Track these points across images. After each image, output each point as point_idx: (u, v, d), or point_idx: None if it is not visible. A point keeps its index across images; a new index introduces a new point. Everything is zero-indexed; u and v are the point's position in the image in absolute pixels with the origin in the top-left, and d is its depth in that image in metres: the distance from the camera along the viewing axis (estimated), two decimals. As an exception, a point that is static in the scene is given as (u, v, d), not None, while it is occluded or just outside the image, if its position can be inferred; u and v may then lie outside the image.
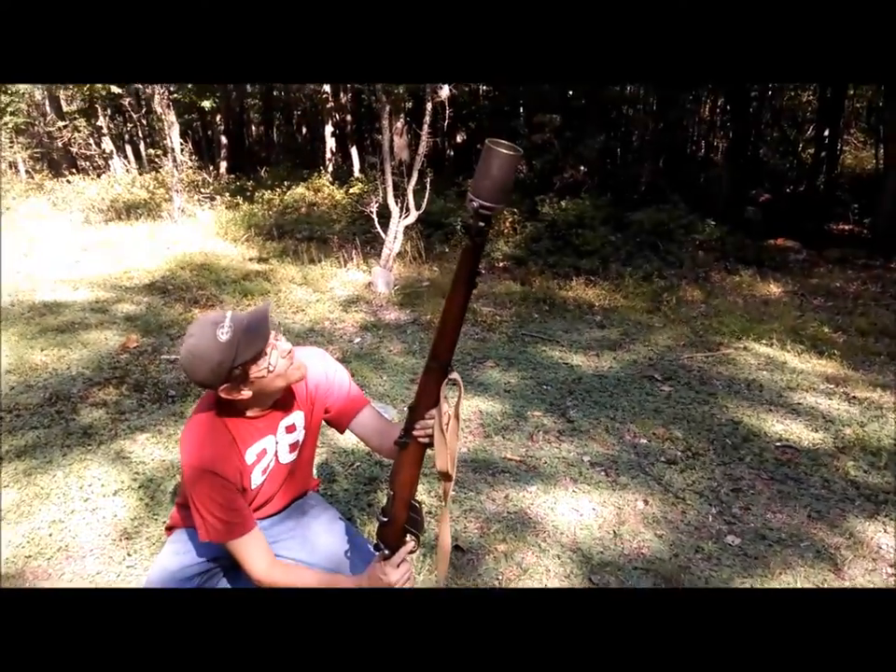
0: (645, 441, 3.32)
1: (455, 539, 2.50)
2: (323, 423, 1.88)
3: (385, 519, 1.65)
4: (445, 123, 10.25)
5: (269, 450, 1.70)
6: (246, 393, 1.53)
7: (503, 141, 1.15)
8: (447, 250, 7.46)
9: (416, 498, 1.64)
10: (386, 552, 1.69)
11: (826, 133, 11.14)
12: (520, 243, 7.46)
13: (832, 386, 3.94)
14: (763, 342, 4.68)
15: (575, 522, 2.64)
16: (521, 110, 11.24)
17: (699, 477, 2.97)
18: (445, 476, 1.52)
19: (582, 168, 8.30)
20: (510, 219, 7.76)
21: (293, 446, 1.78)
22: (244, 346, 1.44)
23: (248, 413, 1.63)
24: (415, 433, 1.52)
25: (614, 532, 2.58)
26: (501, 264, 7.07)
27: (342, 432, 1.88)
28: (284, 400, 1.70)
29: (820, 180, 11.70)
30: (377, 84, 5.86)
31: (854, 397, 3.79)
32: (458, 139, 16.43)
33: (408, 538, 1.70)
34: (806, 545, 2.49)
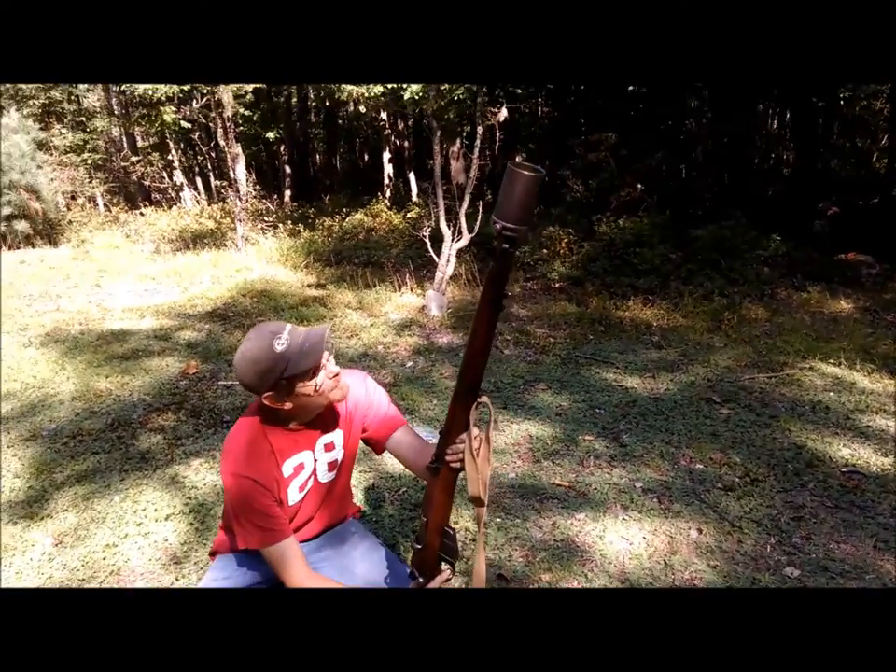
0: (701, 466, 3.20)
1: (498, 567, 2.45)
2: (363, 446, 1.90)
3: (420, 546, 1.64)
4: (497, 146, 10.22)
5: (307, 465, 1.73)
6: (289, 405, 1.57)
7: (525, 163, 1.16)
8: (503, 272, 7.42)
9: (450, 525, 1.62)
10: (421, 579, 1.68)
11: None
12: (576, 263, 7.38)
13: (905, 408, 3.72)
14: (831, 361, 4.47)
15: (624, 551, 2.56)
16: (583, 128, 11.17)
17: (757, 504, 2.84)
18: (477, 501, 1.50)
19: (640, 186, 8.16)
20: (566, 240, 7.69)
21: (332, 465, 1.80)
22: (295, 361, 1.49)
23: (288, 426, 1.67)
24: (447, 458, 1.51)
25: (665, 562, 2.48)
26: (557, 285, 7.00)
27: (379, 453, 1.90)
28: (324, 418, 1.74)
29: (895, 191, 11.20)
30: (421, 104, 5.90)
31: (930, 419, 3.57)
32: (517, 160, 16.41)
33: (443, 565, 1.68)
34: (872, 578, 2.34)
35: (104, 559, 2.57)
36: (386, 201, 12.03)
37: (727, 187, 10.39)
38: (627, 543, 2.60)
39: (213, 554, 1.98)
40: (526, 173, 1.13)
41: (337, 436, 1.79)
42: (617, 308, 6.01)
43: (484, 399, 1.44)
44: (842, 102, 11.76)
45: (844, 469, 3.10)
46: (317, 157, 22.91)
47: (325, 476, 1.81)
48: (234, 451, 1.64)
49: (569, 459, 3.29)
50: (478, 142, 5.67)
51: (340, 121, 20.64)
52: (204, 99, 11.09)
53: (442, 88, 5.59)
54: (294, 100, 16.99)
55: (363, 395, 1.83)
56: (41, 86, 14.71)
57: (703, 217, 8.38)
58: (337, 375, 1.61)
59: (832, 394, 3.97)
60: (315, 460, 1.76)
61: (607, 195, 8.30)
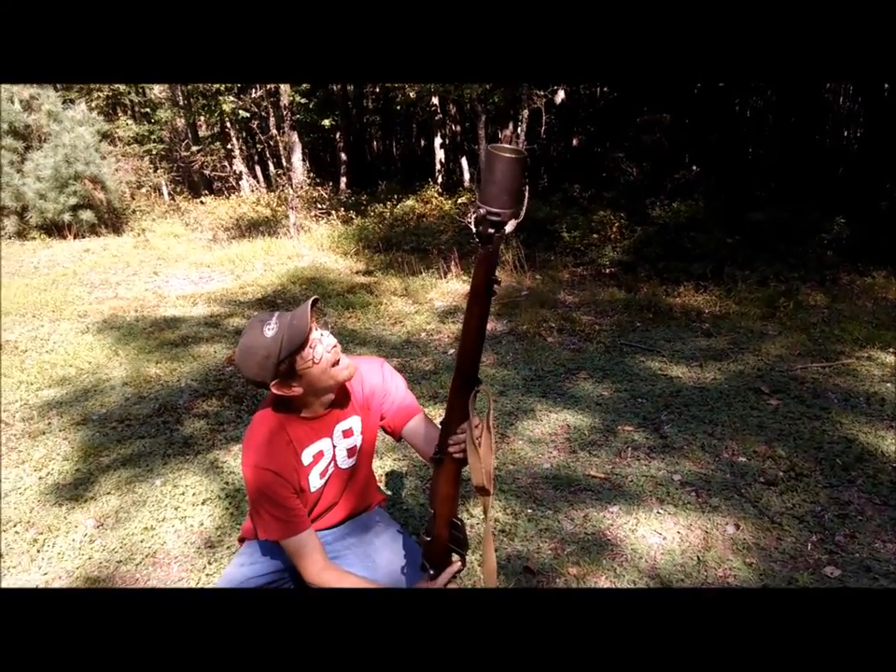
0: (744, 459, 3.09)
1: (525, 559, 2.42)
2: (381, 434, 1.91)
3: (429, 538, 1.63)
4: (543, 129, 10.08)
5: (326, 452, 1.74)
6: (297, 389, 1.57)
7: (506, 146, 1.14)
8: (552, 258, 7.33)
9: (458, 516, 1.60)
10: (432, 571, 1.68)
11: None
12: (628, 248, 7.22)
13: (970, 400, 3.52)
14: (891, 350, 4.25)
15: (657, 545, 2.49)
16: (644, 109, 10.89)
17: (801, 500, 2.72)
18: (482, 491, 1.49)
19: (695, 168, 7.91)
20: (617, 224, 7.53)
21: (351, 451, 1.82)
22: (287, 340, 1.49)
23: (304, 414, 1.68)
24: (450, 449, 1.50)
25: (698, 558, 2.41)
26: (607, 271, 6.87)
27: (397, 440, 1.91)
28: (340, 404, 1.75)
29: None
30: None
31: None
32: (574, 142, 16.18)
33: (453, 557, 1.67)
34: (919, 582, 2.22)
35: (141, 541, 2.65)
36: (438, 186, 12.00)
37: (791, 167, 9.99)
38: (660, 538, 2.54)
39: (241, 540, 2.02)
40: (507, 155, 1.10)
41: (355, 422, 1.80)
42: (667, 294, 5.86)
43: (483, 387, 1.41)
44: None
45: (895, 465, 2.95)
46: (374, 143, 23.06)
47: (345, 462, 1.82)
48: (253, 443, 1.66)
49: (607, 450, 3.23)
50: (523, 126, 5.58)
51: (397, 107, 20.69)
52: (262, 89, 11.25)
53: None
54: (350, 87, 17.09)
55: (380, 382, 1.84)
56: (107, 79, 15.16)
57: (763, 198, 8.09)
58: (335, 346, 1.60)
59: (889, 385, 3.78)
60: (334, 447, 1.77)
61: (661, 177, 8.08)
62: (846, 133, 13.24)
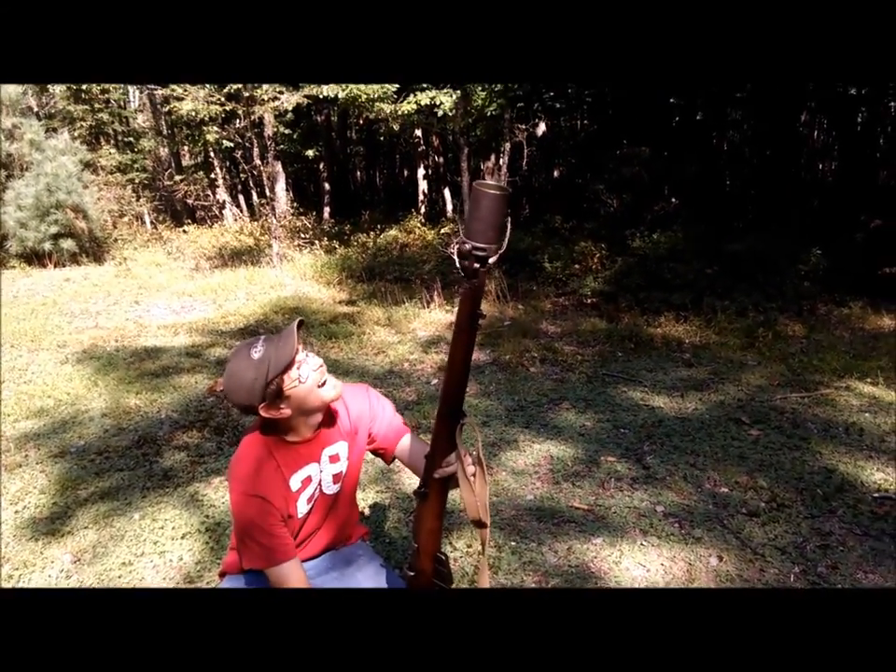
0: (726, 489, 3.10)
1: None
2: (370, 457, 1.90)
3: (412, 573, 1.62)
4: (525, 161, 10.23)
5: (314, 478, 1.74)
6: (286, 410, 1.57)
7: (490, 182, 1.16)
8: (534, 288, 7.39)
9: (442, 550, 1.59)
10: None
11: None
12: (609, 278, 7.29)
13: (946, 430, 3.57)
14: (869, 380, 4.31)
15: (640, 578, 2.49)
16: (623, 142, 11.06)
17: (783, 531, 2.74)
18: (478, 524, 1.49)
19: (674, 200, 8.04)
20: (598, 255, 7.62)
21: (336, 477, 1.80)
22: (274, 361, 1.50)
23: (291, 438, 1.67)
24: (435, 482, 1.49)
25: (682, 591, 2.40)
26: (589, 301, 6.92)
27: (388, 462, 1.90)
28: (327, 428, 1.74)
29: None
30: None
31: (972, 442, 3.41)
32: (556, 174, 16.40)
33: None
34: (900, 614, 2.22)
35: (119, 577, 2.60)
36: (421, 217, 12.09)
37: (768, 199, 10.18)
38: (644, 570, 2.53)
39: (222, 575, 1.99)
40: (492, 192, 1.13)
41: (341, 447, 1.80)
42: (648, 324, 5.92)
43: (469, 419, 1.41)
44: (893, 110, 11.45)
45: (875, 495, 2.97)
46: (358, 173, 23.22)
47: (330, 488, 1.81)
48: (241, 469, 1.65)
49: (590, 481, 3.23)
50: (505, 159, 5.65)
51: (380, 138, 20.88)
52: (247, 119, 11.33)
53: (470, 108, 5.60)
54: (334, 118, 17.25)
55: (366, 406, 1.84)
56: (90, 108, 15.20)
57: (741, 230, 8.22)
58: (321, 367, 1.61)
59: (867, 415, 3.82)
60: (321, 471, 1.77)
61: (641, 209, 8.20)
62: (821, 166, 13.56)
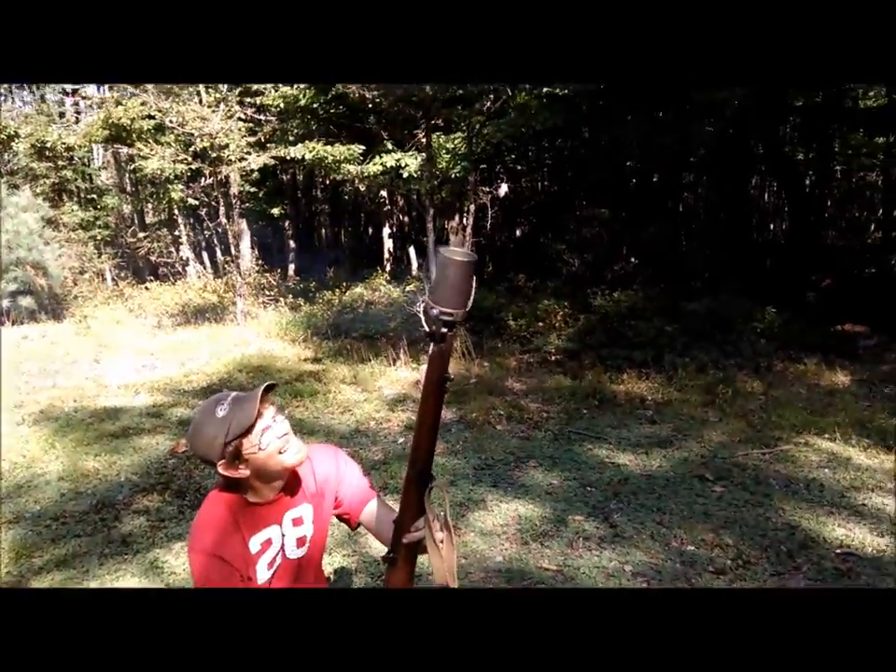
0: (693, 547, 3.12)
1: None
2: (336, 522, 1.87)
3: None
4: (489, 223, 10.46)
5: (275, 541, 1.69)
6: (244, 471, 1.55)
7: (457, 248, 1.20)
8: (499, 345, 7.46)
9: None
10: None
11: None
12: (572, 335, 7.40)
13: (902, 485, 3.65)
14: (826, 436, 4.41)
15: (610, 640, 2.47)
16: (583, 202, 11.40)
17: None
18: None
19: (633, 259, 8.27)
20: (561, 313, 7.75)
21: (300, 541, 1.76)
22: (235, 424, 1.49)
23: (252, 499, 1.64)
24: (403, 546, 1.47)
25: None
26: (553, 358, 7.00)
27: (353, 528, 1.87)
28: (291, 491, 1.70)
29: (893, 261, 11.30)
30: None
31: (927, 497, 3.50)
32: (518, 233, 16.76)
33: None
34: None
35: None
36: (386, 274, 12.19)
37: (722, 259, 10.53)
38: (614, 632, 2.51)
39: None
40: (458, 258, 1.16)
41: (305, 510, 1.75)
42: (612, 381, 6.00)
43: (438, 483, 1.41)
44: (838, 175, 12.03)
45: (838, 551, 3.02)
46: (323, 231, 23.39)
47: (293, 552, 1.77)
48: (201, 527, 1.61)
49: (558, 541, 3.22)
50: (470, 220, 5.78)
51: (346, 197, 21.14)
52: (212, 177, 11.41)
53: (435, 170, 5.74)
54: (300, 177, 17.44)
55: (333, 469, 1.80)
56: (53, 165, 15.14)
57: (698, 289, 8.47)
58: (286, 434, 1.58)
59: (826, 470, 3.91)
60: (283, 535, 1.73)
61: (601, 268, 8.40)
62: (772, 227, 14.11)
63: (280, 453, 1.57)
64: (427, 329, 1.25)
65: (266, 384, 1.57)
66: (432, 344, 1.26)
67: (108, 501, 3.76)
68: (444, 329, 1.22)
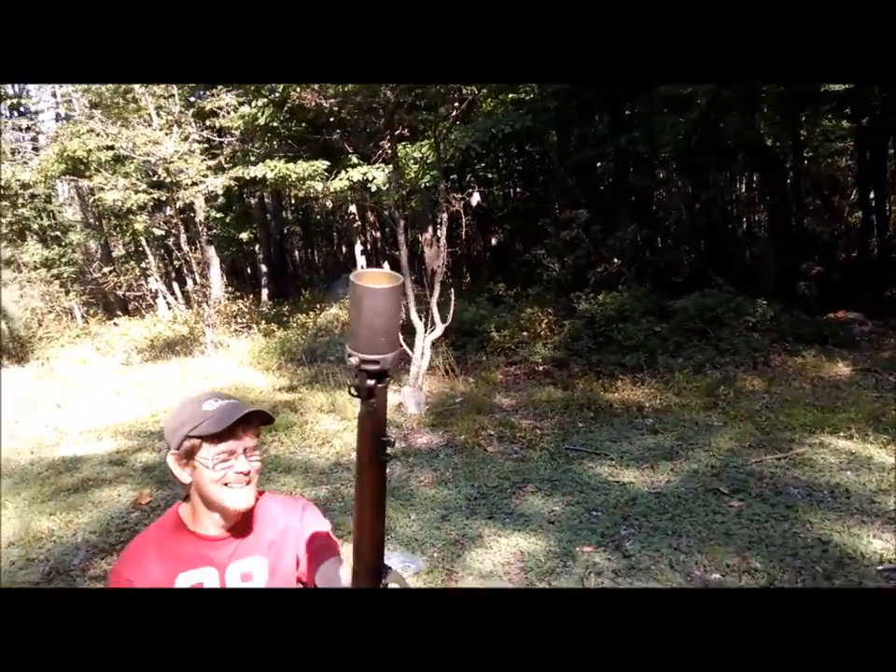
0: (718, 575, 2.79)
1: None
2: None
3: None
4: (463, 231, 10.16)
5: (207, 585, 1.48)
6: (187, 477, 1.43)
7: (373, 270, 0.87)
8: (483, 359, 7.12)
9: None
10: None
11: (871, 195, 10.76)
12: (559, 343, 7.09)
13: (933, 484, 3.36)
14: (841, 434, 4.11)
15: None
16: (556, 207, 11.16)
17: (790, 624, 2.42)
18: None
19: (616, 260, 7.99)
20: (545, 320, 7.44)
21: None
22: (207, 423, 1.39)
23: (193, 526, 1.47)
24: None
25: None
26: (541, 368, 6.68)
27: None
28: (239, 534, 1.49)
29: (873, 244, 11.17)
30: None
31: (964, 496, 3.20)
32: (494, 242, 16.51)
33: None
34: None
35: None
36: (362, 293, 11.83)
37: (704, 253, 10.31)
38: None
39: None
40: (368, 285, 0.83)
41: (258, 565, 1.52)
42: (605, 390, 5.68)
43: (394, 576, 1.07)
44: (806, 162, 11.92)
45: (880, 567, 2.71)
46: (296, 252, 23.02)
47: None
48: (130, 548, 1.49)
49: (567, 578, 2.88)
50: (442, 230, 5.46)
51: (316, 216, 20.83)
52: (174, 205, 11.02)
53: (403, 181, 5.42)
54: (268, 199, 17.10)
55: (296, 523, 1.56)
56: (10, 204, 14.67)
57: (683, 285, 8.20)
58: (242, 474, 1.40)
59: (849, 473, 3.60)
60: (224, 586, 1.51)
61: (584, 272, 8.12)
62: (748, 218, 14.00)
63: (224, 485, 1.40)
64: (350, 386, 0.90)
65: (252, 408, 1.39)
66: (360, 404, 0.92)
67: (63, 567, 3.37)
68: (371, 382, 0.89)
